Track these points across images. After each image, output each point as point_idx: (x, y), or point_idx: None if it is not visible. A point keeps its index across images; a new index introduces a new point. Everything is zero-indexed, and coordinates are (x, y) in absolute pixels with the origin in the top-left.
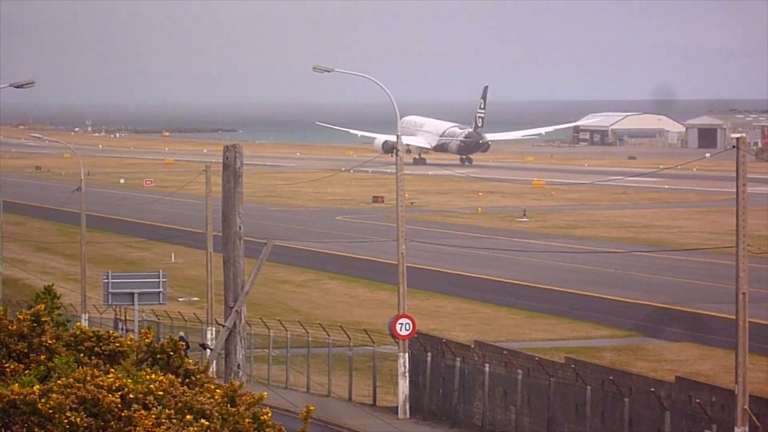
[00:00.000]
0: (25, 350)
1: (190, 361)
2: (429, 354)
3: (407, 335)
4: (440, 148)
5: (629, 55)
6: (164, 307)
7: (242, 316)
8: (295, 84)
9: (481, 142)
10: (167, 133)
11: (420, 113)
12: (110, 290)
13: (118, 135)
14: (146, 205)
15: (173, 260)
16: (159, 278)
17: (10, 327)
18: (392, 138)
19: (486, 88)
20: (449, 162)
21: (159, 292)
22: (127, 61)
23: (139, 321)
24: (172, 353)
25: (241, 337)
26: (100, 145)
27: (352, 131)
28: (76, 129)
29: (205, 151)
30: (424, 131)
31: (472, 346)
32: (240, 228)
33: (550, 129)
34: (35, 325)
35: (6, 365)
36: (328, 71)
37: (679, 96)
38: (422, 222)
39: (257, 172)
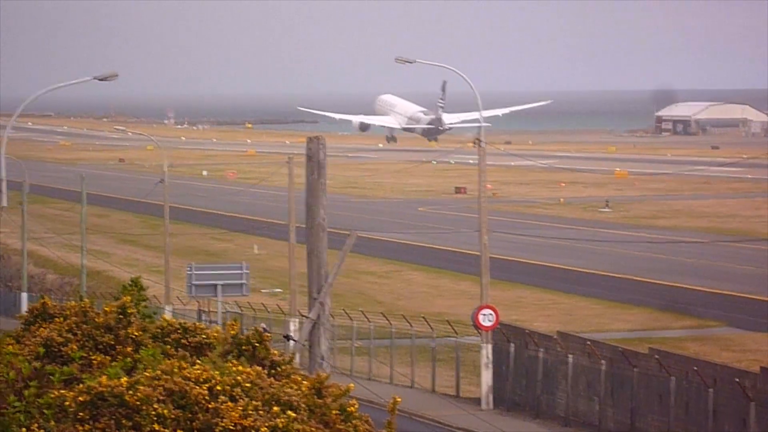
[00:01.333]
0: (112, 342)
1: (275, 352)
2: (512, 345)
3: (490, 326)
4: (408, 129)
5: (712, 44)
6: (247, 298)
7: (326, 308)
8: (377, 74)
9: (441, 128)
10: (249, 125)
11: (499, 103)
12: (194, 282)
13: (200, 127)
14: (229, 196)
15: (256, 251)
16: (242, 270)
17: (96, 319)
18: (366, 119)
19: (444, 82)
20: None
21: (242, 283)
22: (210, 54)
23: (222, 312)
24: (257, 345)
25: (324, 329)
26: (182, 137)
27: (330, 114)
28: (169, 120)
29: (287, 142)
30: (395, 112)
31: (555, 336)
32: (323, 219)
33: (506, 111)
34: (122, 317)
35: (93, 357)
36: (410, 62)
37: (762, 85)
38: (504, 213)
39: (340, 164)
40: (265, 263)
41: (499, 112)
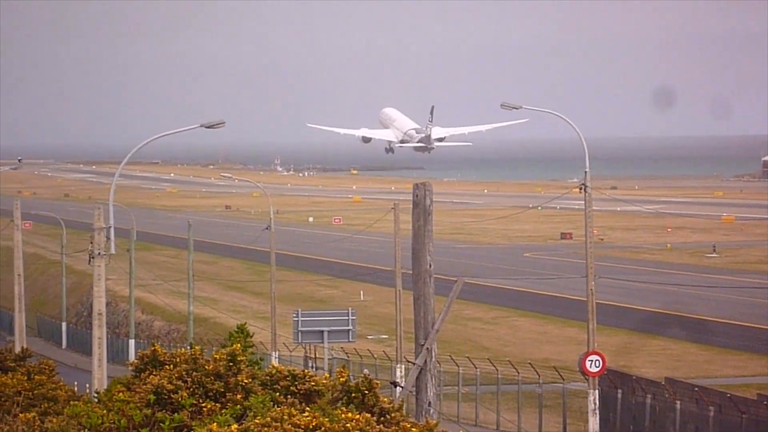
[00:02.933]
0: (222, 389)
1: (385, 399)
2: (619, 391)
3: (597, 372)
4: (402, 143)
5: None
6: (353, 344)
7: (432, 354)
8: (480, 120)
9: (429, 145)
10: (355, 171)
11: (600, 150)
12: (300, 328)
13: (306, 173)
14: (335, 243)
15: (362, 298)
16: (348, 316)
17: (206, 366)
18: (368, 133)
19: (432, 107)
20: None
21: (348, 329)
22: (317, 101)
23: (328, 359)
24: (366, 392)
25: (431, 375)
26: (288, 184)
27: (336, 129)
28: (279, 168)
29: (393, 188)
30: (394, 126)
31: (663, 382)
32: (430, 265)
33: (489, 127)
34: (231, 364)
35: (203, 404)
36: (516, 108)
37: None
38: (611, 258)
39: (446, 210)
40: (372, 309)
41: (483, 128)
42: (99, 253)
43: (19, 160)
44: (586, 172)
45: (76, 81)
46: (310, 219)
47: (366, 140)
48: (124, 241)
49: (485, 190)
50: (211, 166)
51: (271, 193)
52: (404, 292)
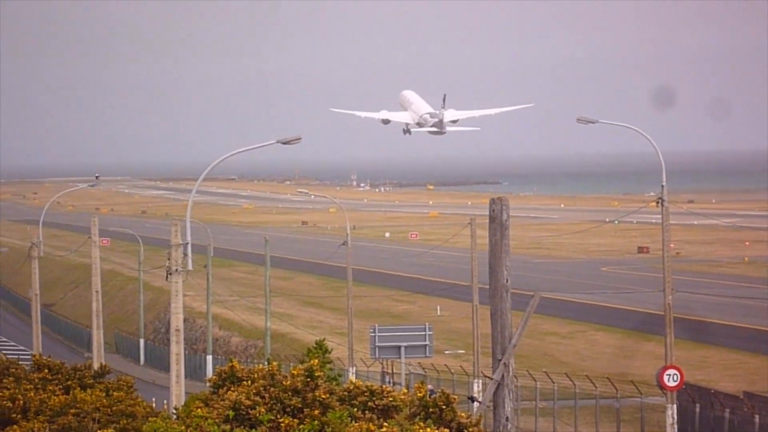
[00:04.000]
0: (300, 405)
1: (463, 414)
2: (697, 405)
3: (675, 386)
4: (418, 126)
5: None
6: (431, 360)
7: (510, 369)
8: (558, 135)
9: (441, 129)
10: (431, 186)
11: (676, 164)
12: (377, 344)
13: (382, 189)
14: (412, 258)
15: (439, 313)
16: (425, 331)
17: (284, 382)
18: (388, 115)
19: (444, 95)
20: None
21: (425, 345)
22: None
23: (405, 374)
24: (444, 407)
25: (509, 390)
26: (365, 200)
27: (357, 113)
28: (362, 185)
29: (469, 203)
30: (412, 110)
31: (741, 396)
32: (507, 280)
33: (498, 111)
34: (309, 380)
35: (281, 420)
36: (593, 122)
37: None
38: (688, 272)
39: (522, 224)
40: (448, 324)
41: (491, 111)
42: (176, 270)
43: (97, 177)
44: (663, 186)
45: (153, 98)
46: (387, 234)
47: (386, 122)
48: (201, 258)
49: (562, 205)
50: (288, 182)
51: (347, 208)
52: (481, 307)
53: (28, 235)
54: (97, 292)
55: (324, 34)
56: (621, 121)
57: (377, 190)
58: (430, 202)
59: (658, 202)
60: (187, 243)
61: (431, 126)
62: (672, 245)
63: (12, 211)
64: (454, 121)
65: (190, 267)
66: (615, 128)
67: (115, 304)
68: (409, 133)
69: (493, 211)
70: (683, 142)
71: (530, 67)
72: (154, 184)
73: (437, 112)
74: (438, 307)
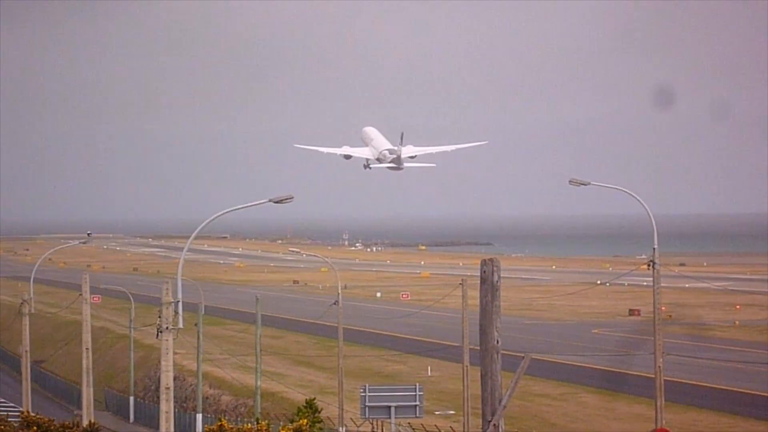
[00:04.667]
0: None
1: None
2: None
3: None
4: (378, 161)
5: None
6: (421, 420)
7: (500, 430)
8: (549, 197)
9: (399, 166)
10: (423, 247)
11: (667, 226)
12: (367, 403)
13: (374, 248)
14: (403, 318)
15: (429, 373)
16: (416, 391)
17: None
18: (349, 151)
19: (402, 133)
20: None
21: (416, 405)
22: (385, 175)
23: None
24: None
25: None
26: (357, 259)
27: (319, 149)
28: (360, 245)
29: (461, 264)
30: (372, 146)
31: None
32: (498, 341)
33: (454, 147)
34: None
35: None
36: (585, 184)
37: None
38: (680, 335)
39: (514, 285)
40: (439, 385)
41: (448, 148)
42: (167, 328)
43: (89, 234)
44: (654, 248)
45: (145, 156)
46: (378, 294)
47: (347, 157)
48: (192, 316)
49: (553, 266)
50: (280, 241)
51: (339, 268)
52: (472, 368)
53: (18, 291)
54: (87, 349)
55: (314, 96)
56: (613, 183)
57: (369, 249)
58: (422, 262)
59: (649, 265)
60: (178, 301)
61: (390, 162)
62: (663, 308)
63: (3, 268)
64: (412, 157)
65: (180, 325)
66: (606, 189)
67: (106, 361)
68: (369, 167)
69: (485, 272)
70: (675, 204)
71: (525, 130)
72: (145, 242)
73: (395, 148)
74: (429, 368)
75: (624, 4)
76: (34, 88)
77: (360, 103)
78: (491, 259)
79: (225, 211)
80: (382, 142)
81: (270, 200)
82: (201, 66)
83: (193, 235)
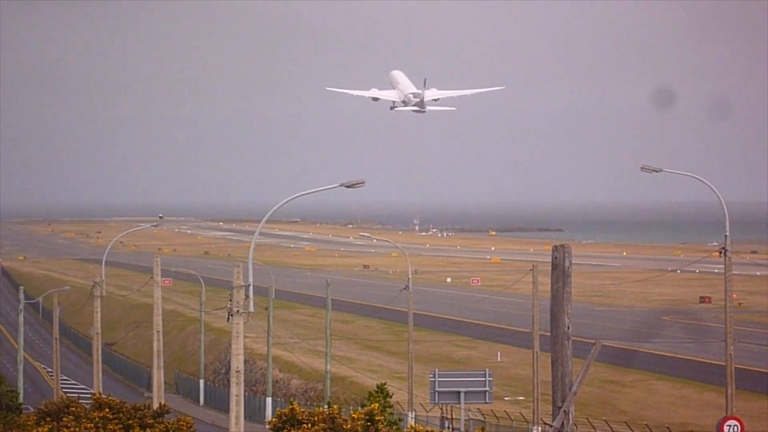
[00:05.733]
0: None
1: None
2: None
3: None
4: (403, 104)
5: None
6: (490, 406)
7: (570, 416)
8: (623, 184)
9: (422, 109)
10: (494, 233)
11: (740, 214)
12: (437, 389)
13: (445, 234)
14: (473, 304)
15: (499, 359)
16: (485, 377)
17: (345, 426)
18: (377, 94)
19: (425, 79)
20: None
21: (485, 391)
22: (457, 161)
23: (465, 420)
24: None
25: None
26: (427, 244)
27: (349, 92)
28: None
29: (531, 250)
30: (398, 89)
31: None
32: (568, 328)
33: (474, 92)
34: (369, 424)
35: None
36: (657, 171)
37: None
38: (750, 323)
39: (584, 272)
40: (508, 371)
41: (468, 92)
42: (238, 311)
43: (160, 217)
44: (726, 236)
45: (215, 140)
46: (448, 279)
47: (375, 99)
48: (262, 300)
49: (624, 253)
50: (350, 226)
51: (409, 253)
52: (542, 354)
53: (90, 274)
54: (158, 332)
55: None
56: (684, 169)
57: (440, 234)
58: (492, 248)
59: (720, 252)
60: (249, 285)
61: (414, 105)
62: (734, 296)
63: (75, 250)
64: (435, 100)
65: (251, 309)
66: (675, 177)
67: (176, 344)
68: (395, 107)
69: (556, 258)
70: (747, 192)
71: (592, 114)
72: (216, 225)
73: (419, 91)
74: (498, 353)
75: None
76: (103, 71)
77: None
78: (563, 245)
79: (296, 195)
80: (407, 86)
81: (341, 185)
82: (265, 48)
83: (264, 219)
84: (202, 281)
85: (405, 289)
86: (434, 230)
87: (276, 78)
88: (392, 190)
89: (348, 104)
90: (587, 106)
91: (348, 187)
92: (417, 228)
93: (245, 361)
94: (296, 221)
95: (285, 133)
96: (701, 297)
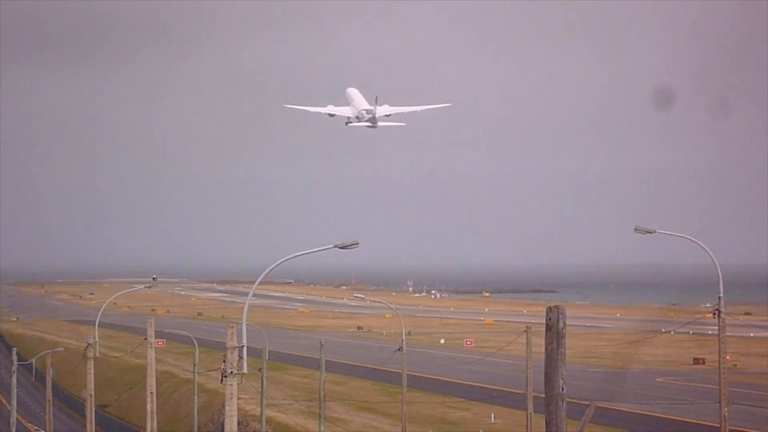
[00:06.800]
0: None
1: None
2: None
3: None
4: (357, 119)
5: None
6: None
7: None
8: (614, 245)
9: (374, 125)
10: (487, 294)
11: (732, 275)
12: None
13: (438, 295)
14: (466, 365)
15: (493, 420)
16: None
17: None
18: (333, 110)
19: (376, 97)
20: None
21: None
22: (449, 222)
23: None
24: None
25: None
26: (420, 305)
27: (307, 108)
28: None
29: (524, 311)
30: (353, 105)
31: None
32: (563, 389)
33: (424, 108)
34: None
35: None
36: (651, 232)
37: None
38: (745, 384)
39: (578, 333)
40: None
41: (417, 108)
42: (231, 372)
43: (154, 278)
44: (720, 297)
45: (209, 202)
46: (442, 341)
47: (331, 115)
48: (256, 361)
49: (618, 314)
50: (344, 287)
51: (403, 314)
52: (536, 416)
53: (83, 335)
54: (151, 393)
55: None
56: (676, 231)
57: (433, 296)
58: (486, 309)
59: (714, 313)
60: (243, 346)
61: (366, 121)
62: (728, 357)
63: (68, 312)
64: (387, 116)
65: (245, 370)
66: (671, 238)
67: (170, 405)
68: (349, 123)
69: (550, 319)
70: (744, 254)
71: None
72: (210, 287)
73: (372, 108)
74: (492, 415)
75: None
76: (102, 132)
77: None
78: (556, 307)
79: (290, 256)
80: (361, 102)
81: (335, 246)
82: (258, 111)
83: (258, 280)
84: (195, 342)
85: (399, 350)
86: (435, 292)
87: (271, 142)
88: (385, 250)
89: (340, 163)
90: (577, 167)
91: (342, 248)
92: (411, 289)
93: (239, 423)
94: (290, 282)
95: (280, 193)
96: (695, 358)
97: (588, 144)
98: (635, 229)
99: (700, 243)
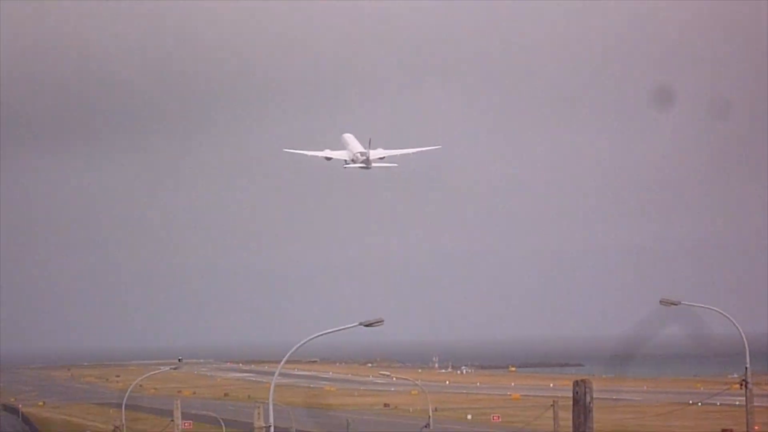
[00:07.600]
0: None
1: None
2: None
3: None
4: (352, 162)
5: None
6: None
7: None
8: (639, 317)
9: (368, 166)
10: (513, 368)
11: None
12: None
13: (464, 370)
14: None
15: None
16: None
17: None
18: (329, 154)
19: (370, 139)
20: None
21: None
22: (476, 298)
23: None
24: None
25: None
26: (447, 381)
27: (304, 152)
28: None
29: (551, 385)
30: (348, 149)
31: None
32: None
33: (416, 150)
34: None
35: None
36: (676, 304)
37: None
38: None
39: (605, 406)
40: None
41: (410, 151)
42: None
43: (180, 360)
44: (746, 367)
45: (233, 283)
46: (469, 416)
47: (328, 159)
48: None
49: (645, 387)
50: (370, 365)
51: (429, 390)
52: None
53: (110, 418)
54: None
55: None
56: (704, 302)
57: (459, 371)
58: (512, 384)
59: (741, 384)
60: (270, 426)
61: (360, 163)
62: (757, 427)
63: (94, 395)
64: (381, 158)
65: None
66: (700, 310)
67: None
68: (346, 165)
69: (577, 393)
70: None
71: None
72: (236, 367)
73: (366, 151)
74: None
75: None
76: (125, 216)
77: None
78: (584, 380)
79: (316, 335)
80: (356, 146)
81: (360, 324)
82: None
83: (284, 359)
84: (222, 423)
85: (426, 426)
86: (463, 368)
87: (295, 223)
88: (413, 328)
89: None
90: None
91: (367, 326)
92: (436, 365)
93: None
94: (315, 361)
95: (305, 273)
96: (723, 430)
97: (608, 217)
98: (660, 302)
99: (725, 313)
